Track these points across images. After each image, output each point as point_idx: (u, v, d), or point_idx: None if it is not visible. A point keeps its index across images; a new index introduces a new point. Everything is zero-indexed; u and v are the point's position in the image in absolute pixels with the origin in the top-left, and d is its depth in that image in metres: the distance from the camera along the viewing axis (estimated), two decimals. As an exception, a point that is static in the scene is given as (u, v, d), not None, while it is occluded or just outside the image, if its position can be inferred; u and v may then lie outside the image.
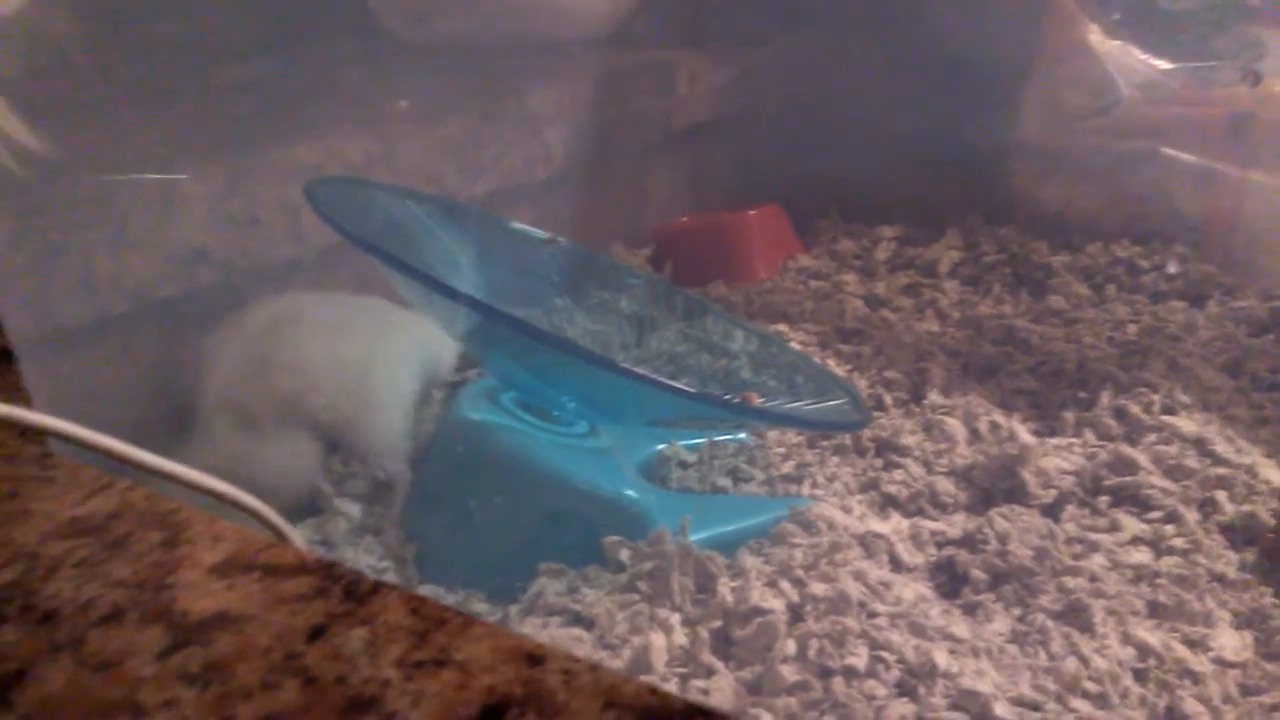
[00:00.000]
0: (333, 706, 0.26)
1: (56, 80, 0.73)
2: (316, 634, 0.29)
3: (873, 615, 0.61)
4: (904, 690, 0.57)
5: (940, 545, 0.77)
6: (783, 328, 1.18)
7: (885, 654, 0.58)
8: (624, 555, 0.68)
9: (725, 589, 0.65)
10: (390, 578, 0.73)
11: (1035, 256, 1.31)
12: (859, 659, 0.57)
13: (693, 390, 0.70)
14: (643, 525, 0.72)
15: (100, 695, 0.27)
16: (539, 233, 1.11)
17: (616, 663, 0.59)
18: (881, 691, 0.55)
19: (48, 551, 0.33)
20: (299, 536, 0.45)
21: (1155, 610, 0.68)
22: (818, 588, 0.64)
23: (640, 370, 0.66)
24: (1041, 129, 1.42)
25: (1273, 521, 0.76)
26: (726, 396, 0.90)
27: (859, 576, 0.65)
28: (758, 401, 0.83)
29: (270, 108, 1.01)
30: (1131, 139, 1.34)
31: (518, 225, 1.04)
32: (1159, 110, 1.34)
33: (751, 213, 1.44)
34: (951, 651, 0.59)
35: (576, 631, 0.65)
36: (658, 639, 0.61)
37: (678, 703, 0.26)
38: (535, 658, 0.28)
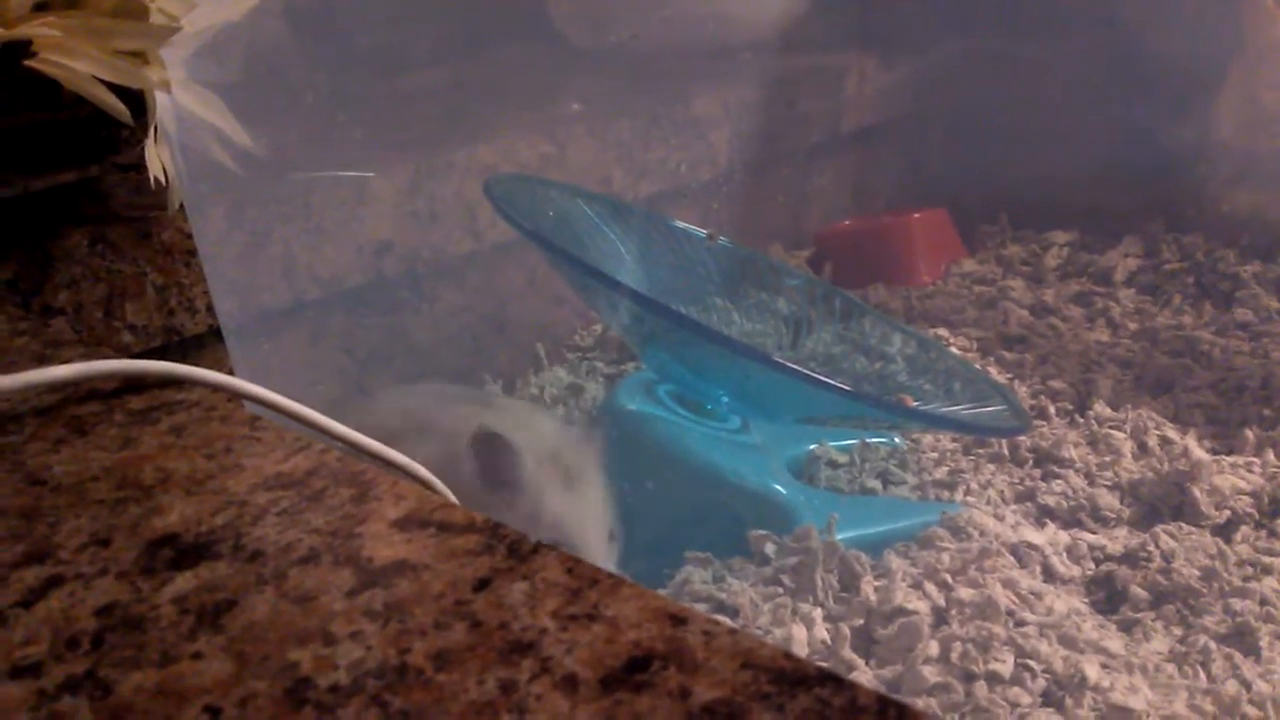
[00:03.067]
0: (495, 648, 0.29)
1: (269, 84, 0.80)
2: (483, 585, 0.32)
3: (1021, 624, 0.61)
4: (1049, 701, 0.56)
5: (1099, 560, 0.75)
6: (942, 332, 1.17)
7: (1032, 663, 0.57)
8: (769, 549, 0.70)
9: (869, 588, 0.65)
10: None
11: (1222, 266, 1.24)
12: (1004, 665, 0.57)
13: (845, 386, 0.71)
14: (789, 520, 0.73)
15: (298, 624, 0.31)
16: (700, 231, 1.14)
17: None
18: (1026, 700, 0.55)
19: (255, 500, 0.38)
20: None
21: (1335, 642, 0.64)
22: (964, 593, 0.63)
23: (793, 365, 0.67)
24: (1237, 131, 1.34)
25: None
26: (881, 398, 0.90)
27: (1009, 584, 0.65)
28: (912, 404, 0.83)
29: (452, 111, 1.08)
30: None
31: (680, 224, 1.07)
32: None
33: (915, 215, 1.42)
34: (1104, 666, 0.58)
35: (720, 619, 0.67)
36: (799, 632, 0.62)
37: (811, 668, 0.28)
38: (679, 618, 0.30)
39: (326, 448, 0.42)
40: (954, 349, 1.14)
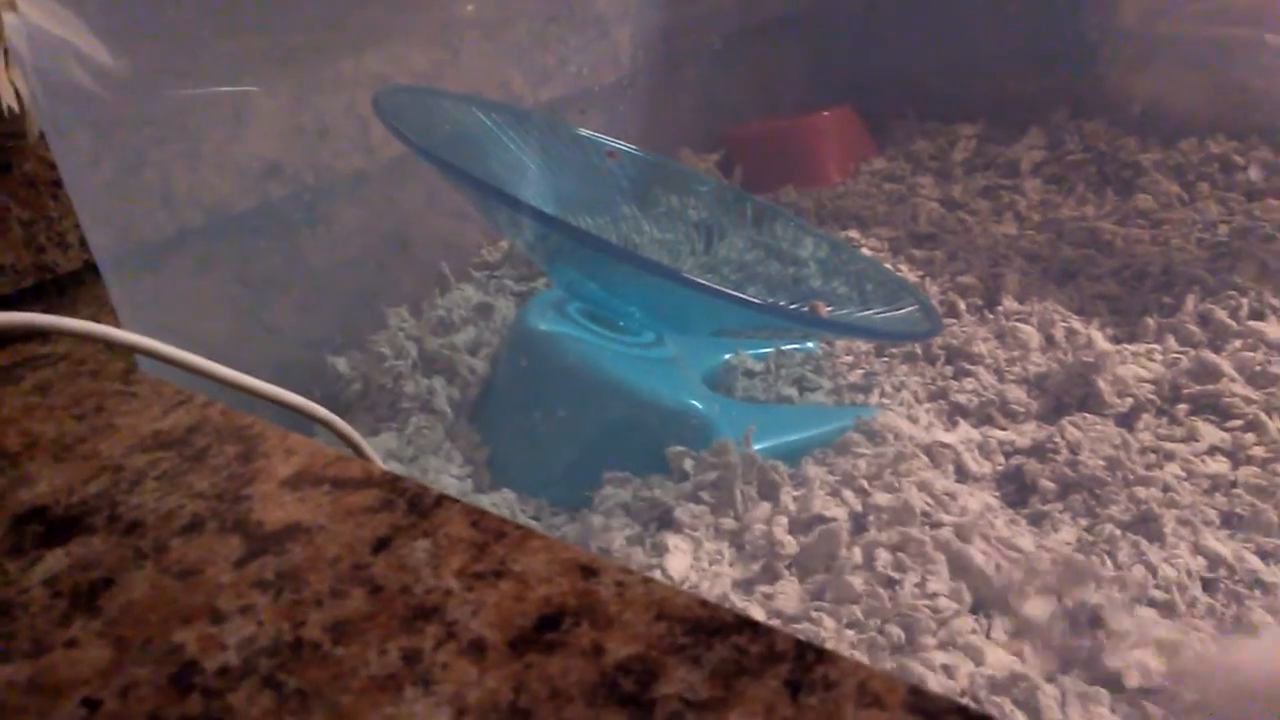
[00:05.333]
0: (397, 615, 0.27)
1: (126, -3, 0.74)
2: (382, 545, 0.30)
3: (937, 525, 0.62)
4: (977, 601, 0.57)
5: (1009, 455, 0.77)
6: (853, 233, 1.16)
7: (955, 565, 0.58)
8: (688, 465, 0.69)
9: (788, 498, 0.65)
10: (468, 486, 0.76)
11: (1123, 154, 1.26)
12: (929, 570, 0.58)
13: (758, 300, 0.70)
14: (706, 435, 0.72)
15: (182, 601, 0.28)
16: (606, 139, 1.10)
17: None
18: (946, 603, 0.56)
19: (132, 464, 0.35)
20: (372, 448, 0.47)
21: (1229, 521, 0.67)
22: (881, 497, 0.64)
23: (705, 280, 0.66)
24: (1139, 18, 1.34)
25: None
26: (794, 306, 0.90)
27: (924, 486, 0.65)
28: (825, 311, 0.82)
29: (336, 16, 1.01)
30: (1234, 25, 1.26)
31: (584, 132, 1.03)
32: (1264, -6, 1.25)
33: (824, 114, 1.40)
34: (1015, 562, 0.59)
35: (672, 539, 0.66)
36: (724, 548, 0.62)
37: (727, 614, 0.27)
38: (590, 570, 0.28)
39: (210, 400, 0.39)
40: (865, 250, 1.13)
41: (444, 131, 0.88)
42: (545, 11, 1.18)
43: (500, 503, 0.73)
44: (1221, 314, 0.90)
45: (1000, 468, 0.75)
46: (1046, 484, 0.71)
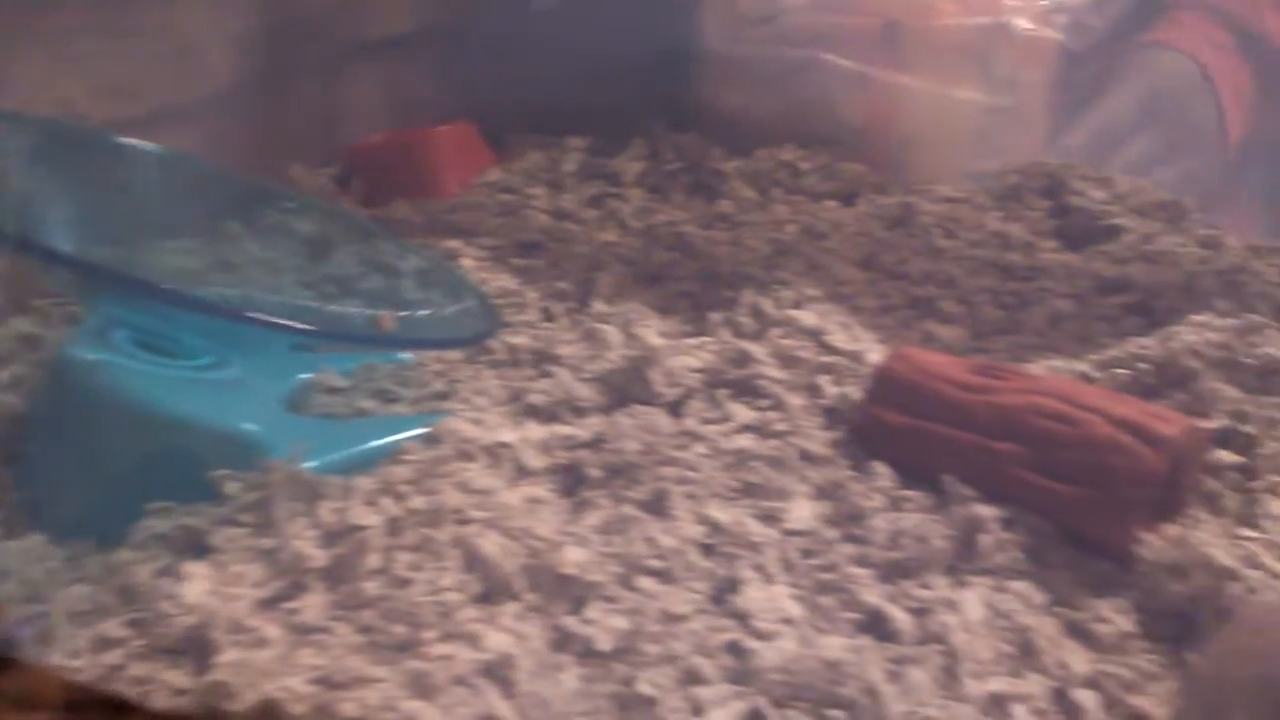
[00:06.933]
0: None
1: None
2: None
3: (466, 523, 0.64)
4: (486, 590, 0.60)
5: (570, 449, 0.81)
6: (455, 244, 1.18)
7: (469, 558, 0.61)
8: (232, 487, 0.68)
9: (328, 511, 0.66)
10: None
11: (710, 163, 1.37)
12: (442, 567, 0.60)
13: (284, 321, 0.70)
14: (260, 455, 0.71)
15: None
16: (192, 153, 1.07)
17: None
18: (454, 596, 0.58)
19: None
20: None
21: (748, 490, 0.75)
22: (417, 501, 0.66)
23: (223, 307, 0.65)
24: (721, 36, 1.47)
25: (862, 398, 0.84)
26: (373, 314, 0.91)
27: (463, 486, 0.68)
28: (389, 324, 0.84)
29: None
30: (796, 47, 1.41)
31: (149, 147, 0.98)
32: (818, 19, 1.41)
33: (441, 129, 1.43)
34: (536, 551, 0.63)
35: (192, 567, 0.64)
36: (253, 569, 0.62)
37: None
38: None
39: None
40: (468, 260, 1.16)
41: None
42: (120, 18, 1.12)
43: (30, 550, 0.68)
44: (768, 305, 1.00)
45: (561, 461, 0.80)
46: (595, 473, 0.76)
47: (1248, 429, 0.78)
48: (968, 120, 1.36)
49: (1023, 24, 1.39)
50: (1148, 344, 0.86)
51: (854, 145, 1.39)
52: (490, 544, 0.61)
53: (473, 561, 0.60)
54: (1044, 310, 1.06)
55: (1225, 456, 0.77)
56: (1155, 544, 0.68)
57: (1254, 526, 0.73)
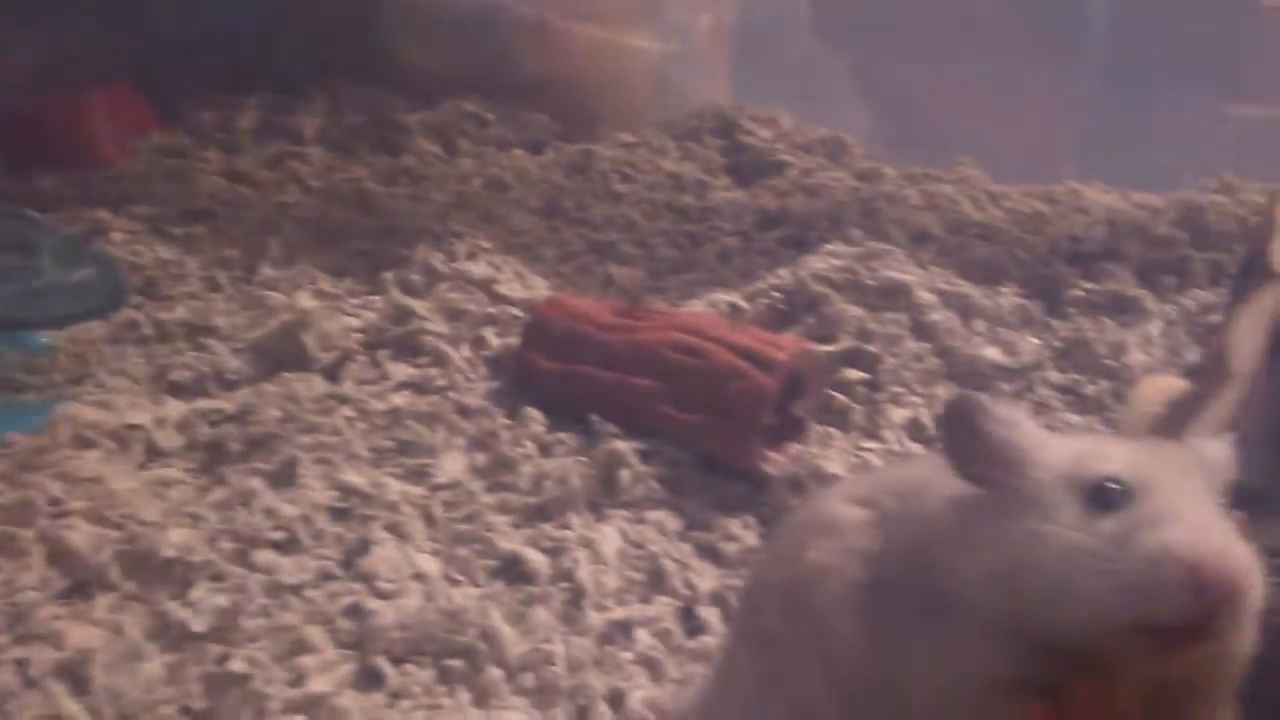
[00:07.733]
0: None
1: None
2: None
3: (63, 515, 0.60)
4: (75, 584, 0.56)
5: (215, 424, 0.77)
6: (104, 215, 1.09)
7: (54, 553, 0.57)
8: None
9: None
10: None
11: (394, 115, 1.33)
12: (24, 565, 0.56)
13: None
14: None
15: None
16: None
17: None
18: (33, 595, 0.54)
19: None
20: None
21: (401, 449, 0.74)
22: (7, 497, 0.61)
23: None
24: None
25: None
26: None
27: (66, 476, 0.63)
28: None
29: None
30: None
31: None
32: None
33: (96, 92, 1.31)
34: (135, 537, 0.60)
35: None
36: None
37: None
38: None
39: None
40: (118, 233, 1.07)
41: None
42: None
43: None
44: (439, 260, 0.99)
45: (203, 438, 0.75)
46: (236, 447, 0.73)
47: (871, 347, 0.84)
48: (647, 67, 1.38)
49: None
50: (783, 274, 0.90)
51: (539, 95, 1.39)
52: (79, 536, 0.57)
53: (59, 556, 0.56)
54: (715, 248, 1.11)
55: (852, 374, 0.82)
56: (779, 461, 0.73)
57: (876, 438, 0.79)
